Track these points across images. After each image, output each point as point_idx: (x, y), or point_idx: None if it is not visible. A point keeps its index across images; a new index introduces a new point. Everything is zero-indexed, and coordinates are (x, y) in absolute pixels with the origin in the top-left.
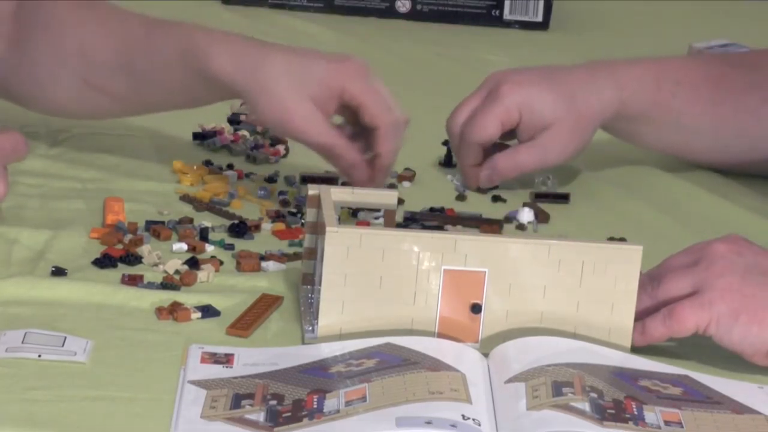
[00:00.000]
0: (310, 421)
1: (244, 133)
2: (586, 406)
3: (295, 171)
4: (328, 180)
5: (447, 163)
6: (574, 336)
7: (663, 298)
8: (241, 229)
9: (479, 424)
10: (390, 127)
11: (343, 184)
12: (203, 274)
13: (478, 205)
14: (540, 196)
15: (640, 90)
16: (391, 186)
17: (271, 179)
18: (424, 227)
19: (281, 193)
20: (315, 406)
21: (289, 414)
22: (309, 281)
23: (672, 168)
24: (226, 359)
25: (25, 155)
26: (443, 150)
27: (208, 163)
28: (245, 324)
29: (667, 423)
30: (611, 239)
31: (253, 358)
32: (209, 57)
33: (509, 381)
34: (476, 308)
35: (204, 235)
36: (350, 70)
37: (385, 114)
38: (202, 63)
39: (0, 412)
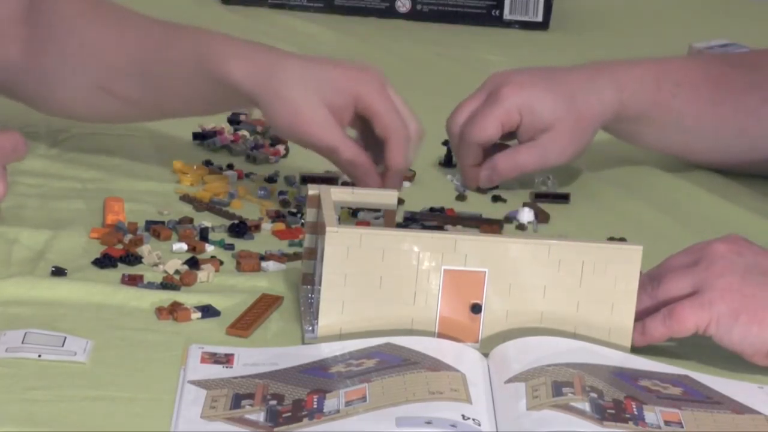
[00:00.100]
0: (310, 421)
1: (244, 133)
2: (586, 406)
3: (295, 171)
4: (328, 180)
5: (447, 163)
6: (574, 336)
7: (663, 298)
8: (241, 229)
9: (479, 424)
10: (401, 140)
11: (344, 184)
12: (203, 274)
13: (478, 205)
14: (540, 196)
15: (640, 91)
16: None
17: (271, 179)
18: (424, 227)
19: (281, 193)
20: (315, 406)
21: (289, 414)
22: (309, 281)
23: (672, 168)
24: (226, 359)
25: (25, 155)
26: (443, 150)
27: (208, 163)
28: (245, 324)
29: (667, 423)
30: (611, 239)
31: (253, 358)
32: (225, 63)
33: (509, 381)
34: (476, 308)
35: (204, 235)
36: (366, 79)
37: (396, 126)
38: (218, 68)
39: (0, 412)
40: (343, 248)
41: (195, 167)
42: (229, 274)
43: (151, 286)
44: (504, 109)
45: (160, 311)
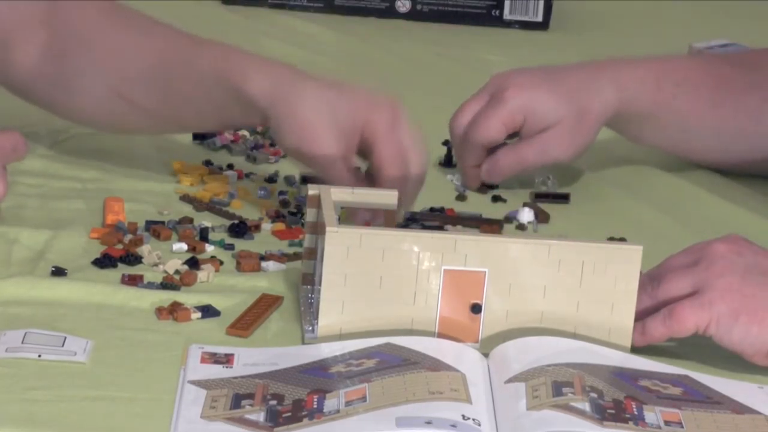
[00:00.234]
0: (310, 421)
1: (244, 133)
2: (586, 406)
3: (295, 171)
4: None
5: (447, 163)
6: (574, 336)
7: (663, 298)
8: (241, 229)
9: (479, 424)
10: (390, 176)
11: None
12: (203, 274)
13: (478, 205)
14: (540, 196)
15: (641, 90)
16: None
17: (271, 179)
18: (424, 227)
19: (281, 193)
20: (315, 406)
21: (289, 414)
22: (309, 281)
23: (672, 168)
24: (226, 359)
25: (25, 155)
26: (443, 150)
27: (208, 163)
28: (245, 324)
29: (667, 423)
30: (611, 239)
31: (253, 358)
32: (244, 77)
33: (509, 381)
34: (476, 308)
35: (204, 235)
36: (379, 109)
37: (392, 164)
38: (237, 84)
39: (0, 412)
40: (343, 248)
41: (195, 167)
42: (229, 274)
43: (151, 286)
44: (507, 110)
45: (160, 311)
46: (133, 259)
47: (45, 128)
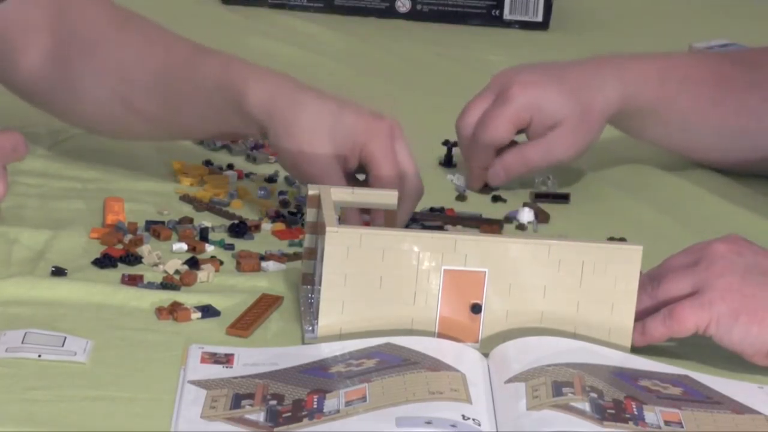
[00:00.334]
0: (310, 421)
1: None
2: (586, 406)
3: None
4: None
5: (447, 163)
6: (574, 336)
7: (663, 298)
8: (241, 229)
9: (479, 424)
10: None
11: None
12: (203, 274)
13: (478, 205)
14: (540, 196)
15: (644, 87)
16: None
17: (271, 179)
18: (424, 227)
19: (281, 193)
20: (315, 406)
21: (289, 414)
22: (309, 281)
23: (672, 168)
24: (226, 359)
25: (25, 155)
26: (443, 150)
27: (208, 163)
28: (245, 324)
29: (667, 423)
30: (611, 239)
31: (253, 358)
32: (244, 88)
33: (509, 381)
34: (476, 308)
35: (204, 235)
36: (377, 129)
37: (389, 184)
38: (236, 95)
39: (0, 412)
40: (343, 248)
41: (195, 167)
42: (229, 274)
43: (151, 286)
44: (514, 109)
45: (160, 311)
46: (133, 259)
47: (45, 128)
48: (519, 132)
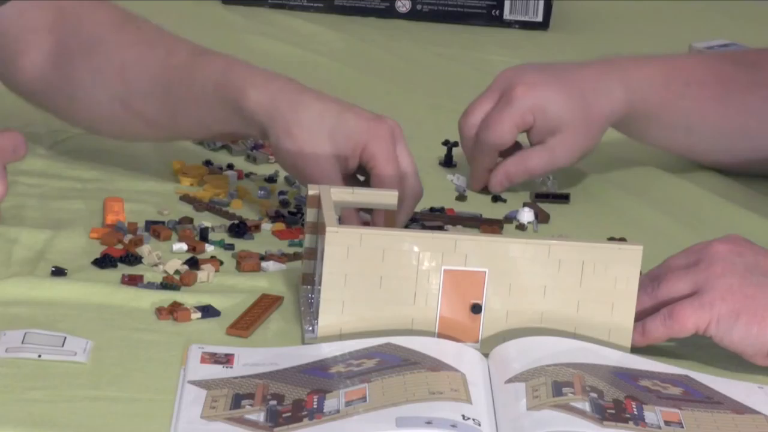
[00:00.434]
0: (310, 421)
1: None
2: (586, 406)
3: None
4: None
5: (447, 163)
6: (574, 336)
7: (663, 298)
8: (241, 229)
9: (479, 424)
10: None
11: None
12: (203, 274)
13: (478, 205)
14: (540, 196)
15: (649, 92)
16: None
17: (271, 179)
18: (425, 227)
19: (281, 193)
20: (315, 406)
21: (289, 414)
22: (309, 281)
23: (673, 168)
24: (226, 359)
25: (25, 155)
26: (443, 150)
27: (208, 163)
28: (245, 324)
29: (667, 423)
30: (611, 239)
31: (253, 358)
32: (243, 90)
33: (509, 381)
34: (476, 308)
35: (204, 235)
36: (378, 131)
37: (390, 186)
38: (236, 97)
39: (0, 412)
40: (343, 248)
41: (195, 167)
42: (229, 274)
43: (151, 286)
44: (518, 110)
45: (160, 311)
46: (133, 259)
47: (45, 128)
48: (521, 132)
